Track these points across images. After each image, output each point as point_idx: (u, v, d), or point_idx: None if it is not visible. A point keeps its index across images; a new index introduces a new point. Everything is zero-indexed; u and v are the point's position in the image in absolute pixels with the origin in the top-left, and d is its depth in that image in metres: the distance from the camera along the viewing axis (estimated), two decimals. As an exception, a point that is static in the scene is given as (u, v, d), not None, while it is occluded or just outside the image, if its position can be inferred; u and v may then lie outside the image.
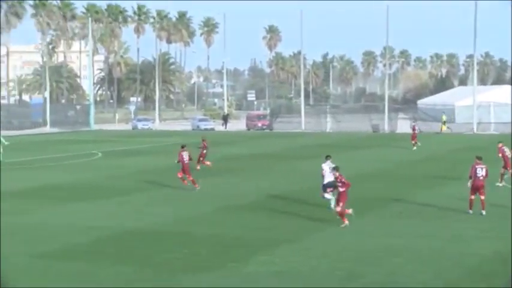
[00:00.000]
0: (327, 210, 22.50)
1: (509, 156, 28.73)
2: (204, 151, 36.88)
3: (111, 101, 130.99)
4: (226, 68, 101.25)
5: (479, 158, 22.89)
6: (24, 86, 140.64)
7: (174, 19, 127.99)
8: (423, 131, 68.30)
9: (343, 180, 20.68)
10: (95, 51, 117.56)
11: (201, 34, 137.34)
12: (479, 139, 55.84)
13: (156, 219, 22.34)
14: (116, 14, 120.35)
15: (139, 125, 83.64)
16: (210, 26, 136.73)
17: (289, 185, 29.98)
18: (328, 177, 22.88)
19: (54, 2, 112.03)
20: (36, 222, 22.09)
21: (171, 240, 19.23)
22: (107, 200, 26.47)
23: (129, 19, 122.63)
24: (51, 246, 18.58)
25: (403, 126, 70.81)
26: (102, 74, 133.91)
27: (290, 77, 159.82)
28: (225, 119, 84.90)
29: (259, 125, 79.46)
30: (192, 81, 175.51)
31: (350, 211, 20.90)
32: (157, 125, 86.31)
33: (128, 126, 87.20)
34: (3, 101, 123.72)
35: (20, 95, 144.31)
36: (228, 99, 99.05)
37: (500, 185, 28.10)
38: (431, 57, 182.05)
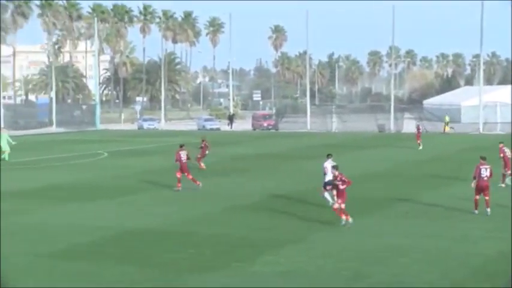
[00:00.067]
0: (332, 211, 22.43)
1: (510, 156, 28.66)
2: (207, 151, 36.88)
3: (117, 100, 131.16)
4: (232, 68, 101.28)
5: (484, 158, 22.83)
6: (30, 86, 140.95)
7: (179, 19, 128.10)
8: (429, 131, 68.29)
9: (343, 178, 20.60)
10: (101, 51, 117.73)
11: (207, 34, 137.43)
12: (485, 139, 55.64)
13: (161, 219, 22.34)
14: (121, 14, 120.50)
15: (145, 125, 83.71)
16: (215, 26, 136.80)
17: (294, 185, 29.95)
18: (330, 176, 22.90)
19: (60, 2, 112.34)
20: (40, 222, 22.12)
21: (176, 240, 19.22)
22: (112, 200, 26.48)
23: (135, 19, 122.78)
24: (56, 246, 18.60)
25: (409, 126, 70.63)
26: (108, 74, 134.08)
27: (296, 76, 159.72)
28: (231, 119, 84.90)
29: (265, 124, 79.43)
30: (198, 81, 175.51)
31: (350, 220, 20.75)
32: (163, 125, 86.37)
33: (134, 126, 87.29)
34: (10, 101, 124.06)
35: (26, 95, 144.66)
36: (233, 99, 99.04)
37: (503, 185, 28.01)
38: (437, 57, 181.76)
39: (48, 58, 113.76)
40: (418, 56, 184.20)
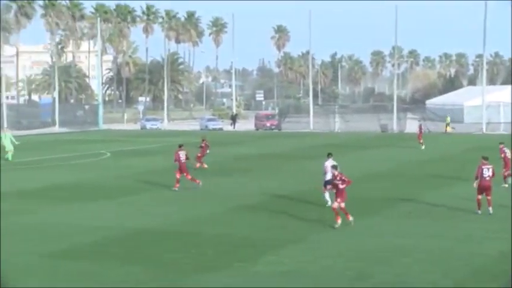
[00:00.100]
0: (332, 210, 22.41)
1: (510, 157, 28.65)
2: (207, 151, 36.88)
3: (120, 100, 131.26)
4: (235, 68, 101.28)
5: (486, 158, 22.82)
6: (33, 86, 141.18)
7: (182, 19, 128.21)
8: (432, 131, 68.25)
9: (343, 177, 20.54)
10: (104, 51, 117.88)
11: (210, 34, 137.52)
12: (488, 139, 55.55)
13: (164, 219, 22.34)
14: (124, 14, 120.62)
15: (148, 125, 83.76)
16: (218, 26, 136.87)
17: (297, 185, 29.93)
18: (330, 175, 22.90)
19: (64, 2, 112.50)
20: (43, 222, 22.13)
21: (179, 240, 19.22)
22: (114, 200, 26.49)
23: (138, 19, 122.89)
24: (59, 246, 18.60)
25: (412, 126, 70.54)
26: (111, 73, 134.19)
27: (298, 77, 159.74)
28: (234, 119, 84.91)
29: (268, 125, 79.42)
30: (201, 81, 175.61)
31: (351, 218, 20.71)
32: (165, 125, 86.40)
33: (137, 126, 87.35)
34: (13, 101, 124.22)
35: (29, 95, 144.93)
36: (236, 99, 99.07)
37: (506, 185, 27.97)
38: (440, 57, 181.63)
39: (51, 58, 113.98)
40: (421, 56, 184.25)
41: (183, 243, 18.79)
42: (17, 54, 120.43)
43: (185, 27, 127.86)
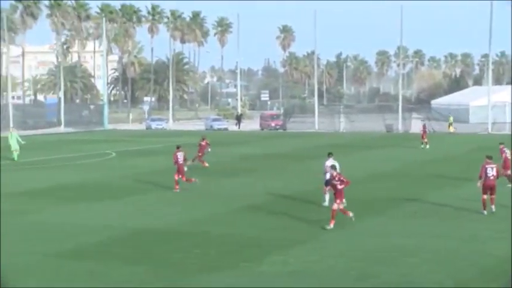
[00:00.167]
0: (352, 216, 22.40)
1: (509, 157, 28.62)
2: (209, 149, 36.89)
3: (125, 100, 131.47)
4: (240, 68, 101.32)
5: (490, 158, 22.82)
6: (39, 86, 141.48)
7: (188, 19, 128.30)
8: (437, 131, 68.18)
9: (341, 178, 20.49)
10: (109, 51, 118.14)
11: (215, 34, 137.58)
12: (494, 139, 55.41)
13: (168, 219, 22.36)
14: (130, 14, 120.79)
15: (153, 125, 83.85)
16: (223, 26, 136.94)
17: (302, 185, 29.91)
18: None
19: (69, 2, 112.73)
20: (48, 222, 22.17)
21: (184, 240, 19.22)
22: (119, 200, 26.52)
23: (143, 19, 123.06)
24: (64, 246, 18.62)
25: (417, 126, 70.49)
26: (116, 73, 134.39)
27: (304, 76, 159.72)
28: (239, 119, 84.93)
29: (273, 125, 79.43)
30: (206, 81, 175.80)
31: (351, 214, 20.70)
32: (171, 125, 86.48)
33: (142, 126, 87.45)
34: (19, 101, 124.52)
35: (35, 95, 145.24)
36: (241, 99, 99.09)
37: (510, 185, 27.92)
38: (446, 57, 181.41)
39: (57, 58, 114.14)
40: (426, 56, 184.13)
41: (188, 243, 18.80)
42: (23, 55, 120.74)
43: (190, 27, 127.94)
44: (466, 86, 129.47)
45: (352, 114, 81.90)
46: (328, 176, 22.96)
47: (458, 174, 32.76)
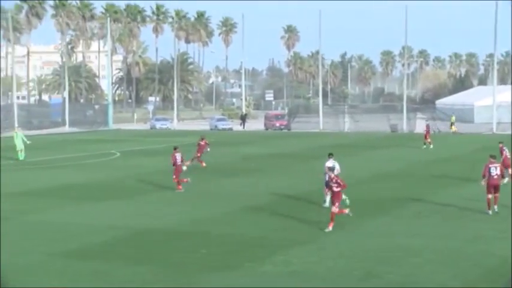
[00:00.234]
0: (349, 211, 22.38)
1: (509, 156, 28.58)
2: (208, 149, 36.87)
3: (130, 100, 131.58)
4: (245, 68, 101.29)
5: (493, 157, 22.82)
6: (43, 86, 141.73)
7: (192, 19, 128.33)
8: (442, 131, 68.07)
9: (338, 181, 20.45)
10: (114, 51, 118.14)
11: (220, 34, 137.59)
12: (498, 139, 55.30)
13: (172, 219, 22.37)
14: (134, 14, 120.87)
15: (158, 125, 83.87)
16: (228, 26, 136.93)
17: (306, 185, 29.88)
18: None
19: (74, 3, 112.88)
20: (53, 221, 22.21)
21: (187, 240, 19.23)
22: (123, 200, 26.55)
23: (148, 19, 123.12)
24: (68, 246, 18.65)
25: (422, 126, 70.35)
26: (121, 73, 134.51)
27: (308, 76, 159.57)
28: (243, 118, 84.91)
29: (277, 124, 79.38)
30: (210, 81, 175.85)
31: (347, 211, 20.67)
32: (175, 125, 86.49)
33: (146, 126, 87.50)
34: (24, 101, 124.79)
35: (40, 94, 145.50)
36: (246, 99, 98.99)
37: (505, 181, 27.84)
38: (450, 56, 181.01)
39: (62, 58, 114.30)
40: (431, 56, 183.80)
41: (191, 243, 18.81)
42: (28, 54, 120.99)
43: (195, 27, 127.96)
44: (470, 86, 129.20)
45: (356, 114, 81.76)
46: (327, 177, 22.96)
47: (462, 174, 32.70)
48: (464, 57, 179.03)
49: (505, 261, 16.59)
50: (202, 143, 36.92)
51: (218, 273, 15.72)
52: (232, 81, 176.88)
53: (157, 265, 16.47)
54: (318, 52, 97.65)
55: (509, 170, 28.43)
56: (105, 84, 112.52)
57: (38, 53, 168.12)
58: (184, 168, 29.01)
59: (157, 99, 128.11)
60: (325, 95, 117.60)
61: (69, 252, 17.88)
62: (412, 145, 51.44)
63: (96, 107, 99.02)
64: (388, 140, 58.12)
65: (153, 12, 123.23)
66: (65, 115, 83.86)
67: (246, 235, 19.82)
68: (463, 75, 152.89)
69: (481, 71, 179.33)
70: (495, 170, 22.34)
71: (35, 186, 30.40)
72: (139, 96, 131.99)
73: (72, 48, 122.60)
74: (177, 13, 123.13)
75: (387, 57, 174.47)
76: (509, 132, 64.82)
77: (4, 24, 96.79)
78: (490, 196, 22.40)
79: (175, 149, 29.15)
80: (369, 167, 36.81)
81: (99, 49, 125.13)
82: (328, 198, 23.33)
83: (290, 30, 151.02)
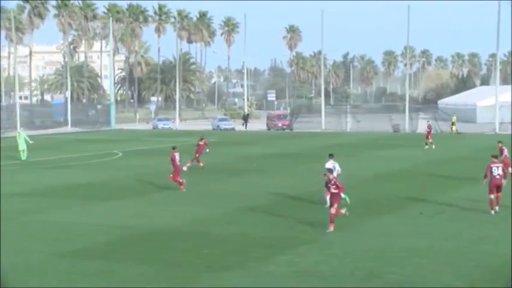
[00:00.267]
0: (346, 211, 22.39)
1: (508, 156, 28.60)
2: (207, 150, 36.85)
3: (132, 100, 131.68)
4: (247, 68, 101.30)
5: (495, 157, 22.82)
6: (46, 86, 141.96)
7: (194, 19, 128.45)
8: (444, 131, 68.03)
9: (337, 183, 20.43)
10: (116, 51, 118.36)
11: (222, 34, 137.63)
12: (501, 139, 55.24)
13: (176, 219, 22.39)
14: (136, 14, 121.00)
15: (160, 125, 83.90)
16: (230, 26, 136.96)
17: (309, 185, 29.87)
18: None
19: (76, 3, 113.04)
20: (57, 221, 22.23)
21: (190, 240, 19.25)
22: (126, 200, 26.57)
23: (150, 19, 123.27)
24: (73, 245, 18.68)
25: (424, 126, 70.32)
26: (123, 73, 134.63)
27: (310, 76, 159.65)
28: (245, 118, 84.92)
29: (280, 124, 79.36)
30: (213, 81, 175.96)
31: (344, 211, 20.66)
32: (177, 125, 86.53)
33: (149, 126, 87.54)
34: (26, 101, 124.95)
35: (42, 94, 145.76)
36: (248, 99, 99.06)
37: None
38: (453, 56, 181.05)
39: (64, 58, 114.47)
40: (433, 56, 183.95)
41: (195, 243, 18.83)
42: (30, 54, 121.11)
43: (197, 27, 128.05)
44: (473, 86, 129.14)
45: (358, 114, 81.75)
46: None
47: (465, 174, 32.68)
48: (466, 57, 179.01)
49: (510, 262, 16.57)
50: (201, 143, 36.90)
51: (221, 273, 15.74)
52: (234, 81, 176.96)
53: (161, 265, 16.49)
54: (320, 52, 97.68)
55: (510, 169, 28.42)
56: (107, 84, 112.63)
57: (41, 53, 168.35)
58: (185, 168, 29.04)
59: (160, 99, 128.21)
60: (327, 95, 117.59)
61: (74, 252, 17.91)
62: (414, 145, 51.41)
63: (99, 107, 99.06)
64: (390, 140, 58.10)
65: (155, 12, 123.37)
66: (67, 115, 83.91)
67: (249, 235, 19.84)
68: (465, 75, 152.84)
69: (484, 71, 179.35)
70: (497, 170, 22.35)
71: (39, 186, 30.44)
72: (142, 96, 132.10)
73: (74, 48, 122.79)
74: (179, 13, 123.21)
75: (389, 57, 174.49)
76: (509, 132, 64.89)
77: (7, 25, 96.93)
78: (492, 196, 22.40)
79: (173, 148, 29.23)
80: (372, 166, 36.81)
81: (101, 49, 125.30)
82: (328, 198, 23.32)
83: (292, 30, 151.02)
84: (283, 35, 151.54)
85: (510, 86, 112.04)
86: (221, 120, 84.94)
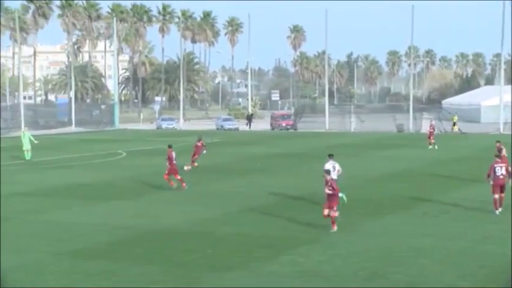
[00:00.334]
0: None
1: (507, 155, 28.52)
2: (204, 151, 36.70)
3: (136, 100, 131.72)
4: (251, 68, 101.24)
5: (499, 157, 22.76)
6: (50, 86, 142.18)
7: (198, 19, 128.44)
8: (448, 131, 67.93)
9: (333, 185, 20.35)
10: (120, 51, 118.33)
11: (226, 34, 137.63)
12: (505, 139, 55.13)
13: (179, 219, 22.36)
14: (140, 14, 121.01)
15: (164, 125, 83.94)
16: (234, 26, 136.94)
17: (312, 185, 29.76)
18: (334, 176, 22.79)
19: (80, 3, 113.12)
20: (60, 221, 22.22)
21: (194, 240, 19.21)
22: (131, 200, 26.55)
23: (154, 19, 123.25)
24: (75, 245, 18.66)
25: (428, 126, 70.24)
26: (127, 73, 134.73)
27: (314, 76, 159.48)
28: (249, 118, 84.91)
29: (284, 124, 79.33)
30: (217, 81, 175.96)
31: (336, 214, 20.54)
32: (181, 125, 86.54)
33: (153, 126, 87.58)
34: (30, 101, 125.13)
35: (46, 94, 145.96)
36: (252, 99, 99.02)
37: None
38: (457, 56, 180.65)
39: (68, 58, 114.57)
40: (437, 56, 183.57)
41: (198, 243, 18.79)
42: (35, 55, 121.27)
43: (201, 27, 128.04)
44: (477, 86, 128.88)
45: (362, 114, 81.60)
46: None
47: (469, 175, 32.59)
48: (470, 57, 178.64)
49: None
50: (199, 144, 36.77)
51: (225, 273, 15.70)
52: (238, 81, 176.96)
53: (164, 265, 16.46)
54: (324, 52, 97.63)
55: (509, 169, 28.34)
56: (111, 84, 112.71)
57: (45, 53, 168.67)
58: (185, 168, 29.06)
59: (164, 99, 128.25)
60: (331, 95, 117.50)
61: (75, 252, 17.89)
62: (418, 145, 51.31)
63: (103, 107, 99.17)
64: (394, 140, 58.02)
65: (159, 12, 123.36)
66: (71, 115, 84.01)
67: (253, 235, 19.80)
68: (469, 75, 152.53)
69: (488, 70, 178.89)
70: (500, 170, 22.28)
71: (42, 186, 30.44)
72: (146, 96, 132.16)
73: (78, 48, 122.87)
74: (183, 13, 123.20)
75: (393, 57, 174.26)
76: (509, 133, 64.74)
77: (11, 25, 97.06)
78: (496, 196, 22.33)
79: (170, 147, 29.34)
80: (376, 166, 36.74)
81: (105, 49, 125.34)
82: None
83: (296, 30, 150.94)
84: (287, 34, 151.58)
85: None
86: (225, 120, 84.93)
